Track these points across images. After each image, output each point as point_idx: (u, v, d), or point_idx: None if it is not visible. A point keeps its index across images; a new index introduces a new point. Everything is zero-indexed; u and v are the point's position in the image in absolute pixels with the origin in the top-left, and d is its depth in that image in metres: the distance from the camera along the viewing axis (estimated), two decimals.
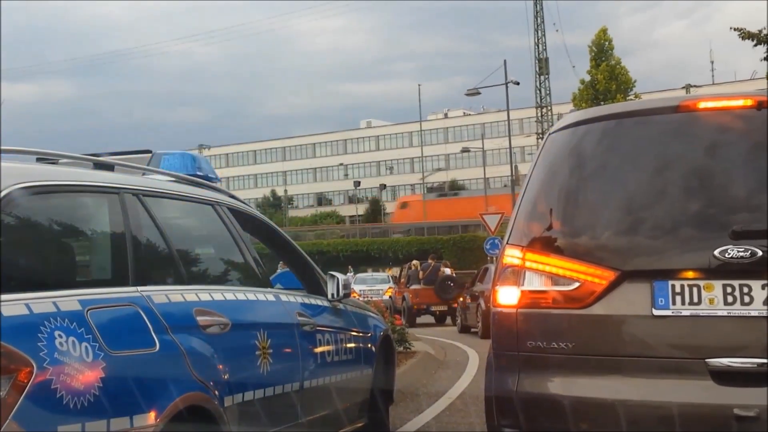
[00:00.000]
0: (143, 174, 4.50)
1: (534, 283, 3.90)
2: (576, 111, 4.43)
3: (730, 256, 3.50)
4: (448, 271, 26.38)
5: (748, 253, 3.47)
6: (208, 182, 4.94)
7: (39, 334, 2.84)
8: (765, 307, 3.47)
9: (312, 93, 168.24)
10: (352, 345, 5.90)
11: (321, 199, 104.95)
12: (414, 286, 25.75)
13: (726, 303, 3.55)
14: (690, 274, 3.62)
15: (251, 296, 4.57)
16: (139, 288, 3.54)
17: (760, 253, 3.45)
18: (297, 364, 4.84)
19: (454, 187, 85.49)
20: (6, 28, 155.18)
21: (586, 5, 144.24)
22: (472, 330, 19.77)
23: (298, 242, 5.63)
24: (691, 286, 3.61)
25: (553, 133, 4.29)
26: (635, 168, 3.95)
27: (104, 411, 2.98)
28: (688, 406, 3.50)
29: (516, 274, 3.94)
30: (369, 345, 6.33)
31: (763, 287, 3.50)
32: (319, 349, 5.22)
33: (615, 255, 3.76)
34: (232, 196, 5.23)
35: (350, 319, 6.03)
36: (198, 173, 5.08)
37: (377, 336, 6.58)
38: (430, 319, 25.43)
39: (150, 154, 4.87)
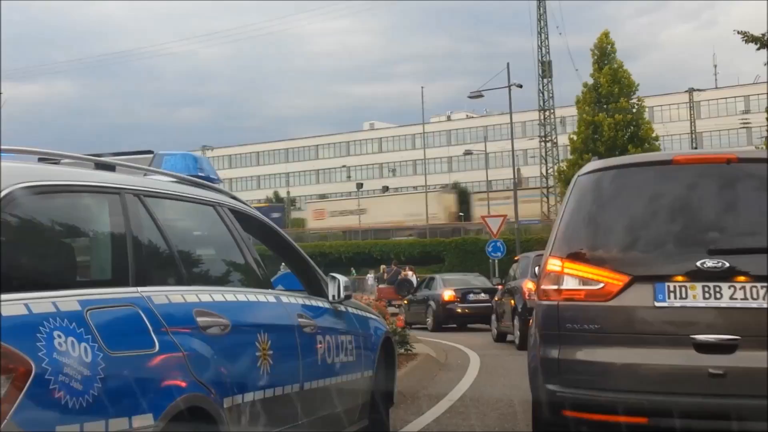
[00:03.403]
0: (145, 175, 4.49)
1: (570, 283, 5.31)
2: (597, 160, 6.01)
3: (707, 266, 4.98)
4: (410, 274, 31.90)
5: (719, 265, 4.96)
6: (209, 183, 4.94)
7: (38, 335, 2.84)
8: (730, 301, 4.95)
9: (315, 94, 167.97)
10: (352, 347, 5.89)
11: None
12: (381, 285, 33.26)
13: (704, 298, 5.00)
14: (680, 278, 5.05)
15: (252, 297, 4.56)
16: (140, 288, 3.53)
17: (727, 264, 4.95)
18: (297, 365, 4.83)
19: (457, 190, 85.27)
20: (10, 27, 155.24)
21: (589, 8, 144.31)
22: (415, 326, 21.87)
23: (300, 243, 5.65)
24: (680, 286, 5.06)
25: (580, 176, 5.75)
26: (641, 202, 5.45)
27: (103, 411, 2.98)
28: (678, 367, 4.98)
29: (557, 278, 5.34)
30: (370, 347, 6.33)
31: (729, 287, 4.97)
32: (319, 351, 5.22)
33: (627, 264, 5.20)
34: (234, 197, 5.23)
35: (351, 321, 6.02)
36: (199, 174, 5.08)
37: (378, 338, 6.57)
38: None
39: (152, 155, 4.85)
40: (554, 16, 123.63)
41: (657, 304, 5.05)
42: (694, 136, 78.52)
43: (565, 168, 45.93)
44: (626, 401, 5.01)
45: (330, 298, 5.71)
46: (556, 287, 5.35)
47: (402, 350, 12.54)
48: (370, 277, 45.00)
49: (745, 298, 4.95)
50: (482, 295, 22.46)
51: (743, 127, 76.69)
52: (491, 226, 30.18)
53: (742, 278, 4.97)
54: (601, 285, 5.19)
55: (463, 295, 22.43)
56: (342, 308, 5.93)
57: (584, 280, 5.27)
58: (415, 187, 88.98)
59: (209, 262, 4.64)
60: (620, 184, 5.59)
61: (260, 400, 4.25)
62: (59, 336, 2.91)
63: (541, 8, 61.49)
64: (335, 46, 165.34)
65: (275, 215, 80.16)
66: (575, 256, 5.33)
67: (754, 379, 4.81)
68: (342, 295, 5.74)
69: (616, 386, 5.10)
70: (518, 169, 53.56)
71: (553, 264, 5.39)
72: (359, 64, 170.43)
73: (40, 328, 2.86)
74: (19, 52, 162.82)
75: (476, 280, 25.32)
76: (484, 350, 15.14)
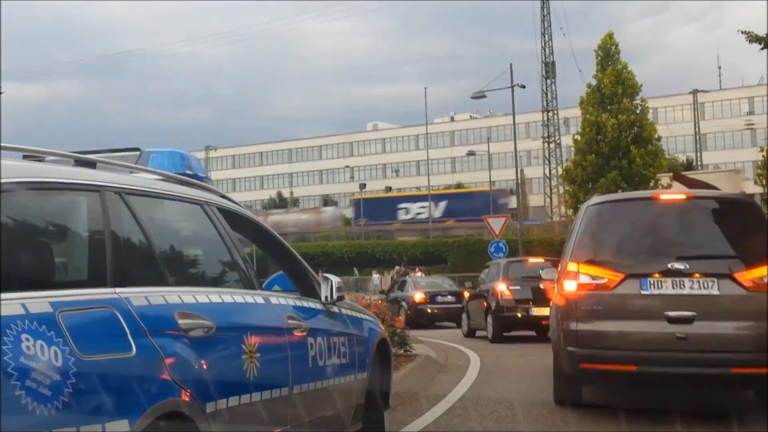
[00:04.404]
0: (131, 172, 4.37)
1: (583, 279, 7.73)
2: (599, 196, 8.92)
3: (675, 267, 7.46)
4: (420, 275, 33.93)
5: (683, 266, 7.45)
6: (197, 181, 4.81)
7: (4, 337, 2.72)
8: (690, 290, 7.40)
9: (319, 95, 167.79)
10: (345, 349, 5.77)
11: (327, 201, 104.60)
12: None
13: (673, 288, 7.46)
14: (657, 275, 7.51)
15: (238, 299, 4.43)
16: (117, 289, 3.40)
17: (688, 266, 7.45)
18: (286, 368, 4.70)
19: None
20: (13, 27, 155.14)
21: (593, 9, 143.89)
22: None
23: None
24: (657, 280, 7.51)
25: (588, 206, 8.33)
26: (630, 225, 8.06)
27: (74, 418, 2.85)
28: (655, 333, 7.42)
29: (576, 275, 7.78)
30: (364, 348, 6.21)
31: (689, 281, 7.45)
32: (310, 353, 5.09)
33: (622, 266, 7.66)
34: (223, 196, 5.09)
35: (344, 323, 5.91)
36: (187, 172, 4.93)
37: (373, 340, 6.47)
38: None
39: (138, 152, 4.71)
40: (558, 18, 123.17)
41: (642, 292, 7.54)
42: (698, 137, 78.31)
43: (571, 167, 45.72)
44: (622, 356, 7.51)
45: (322, 299, 5.59)
46: (574, 282, 7.79)
47: (401, 351, 12.44)
48: (376, 277, 45.09)
49: (700, 288, 7.44)
50: (449, 297, 24.91)
51: (747, 129, 76.46)
52: (493, 227, 30.05)
53: (697, 275, 7.44)
54: (605, 280, 7.66)
55: (432, 297, 24.91)
56: (335, 309, 5.81)
57: (593, 277, 7.71)
58: (418, 188, 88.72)
59: (194, 262, 4.52)
60: (615, 212, 8.31)
61: (246, 404, 4.12)
62: (27, 339, 2.79)
63: (545, 9, 61.38)
64: (339, 46, 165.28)
65: (502, 201, 73.80)
66: (587, 261, 7.80)
67: (705, 340, 7.33)
68: (335, 295, 5.62)
69: (615, 346, 7.54)
70: (521, 170, 53.41)
71: (572, 267, 7.86)
72: (363, 65, 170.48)
73: (7, 330, 2.74)
74: (22, 52, 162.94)
75: (445, 283, 27.45)
76: (486, 351, 15.03)
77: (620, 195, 10.02)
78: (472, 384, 10.45)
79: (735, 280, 7.41)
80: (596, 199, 8.54)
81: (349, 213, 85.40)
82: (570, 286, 7.80)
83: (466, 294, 22.25)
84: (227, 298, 4.30)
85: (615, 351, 7.48)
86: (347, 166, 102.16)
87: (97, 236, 3.52)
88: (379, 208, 75.70)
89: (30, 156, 3.91)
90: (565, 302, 7.84)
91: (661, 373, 7.44)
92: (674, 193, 8.64)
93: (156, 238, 3.94)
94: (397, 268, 40.10)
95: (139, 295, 3.51)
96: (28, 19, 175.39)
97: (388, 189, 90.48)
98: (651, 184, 42.05)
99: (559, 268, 8.69)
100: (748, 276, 7.39)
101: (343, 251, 58.64)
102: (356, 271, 53.35)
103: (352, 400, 5.95)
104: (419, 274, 34.79)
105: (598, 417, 7.91)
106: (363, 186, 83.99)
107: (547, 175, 61.04)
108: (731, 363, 7.26)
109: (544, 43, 60.62)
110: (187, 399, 3.49)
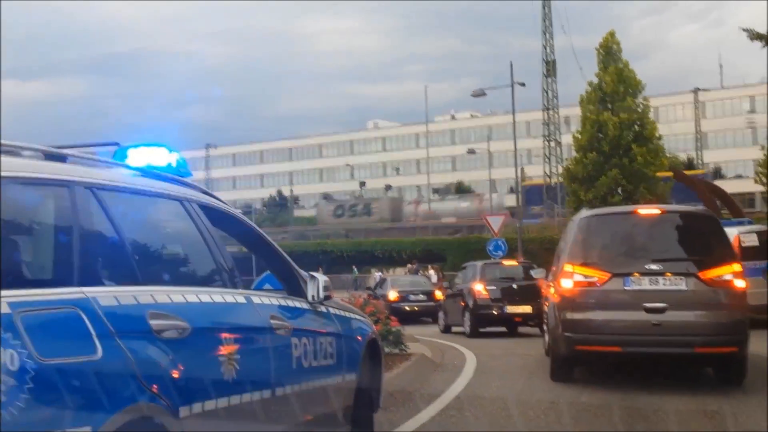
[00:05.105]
0: (108, 167, 4.22)
1: (578, 278, 9.53)
2: (590, 210, 11.04)
3: (651, 268, 9.34)
4: (431, 273, 36.26)
5: (657, 267, 9.35)
6: (177, 177, 4.65)
7: None
8: (663, 286, 9.44)
9: (319, 93, 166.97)
10: (332, 349, 5.63)
11: (327, 198, 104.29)
12: None
13: (650, 284, 9.32)
14: (636, 274, 9.38)
15: (217, 298, 4.28)
16: (84, 289, 3.25)
17: (662, 267, 9.33)
18: (268, 369, 4.56)
19: (460, 189, 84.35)
20: (18, 27, 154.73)
21: (595, 7, 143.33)
22: None
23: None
24: (637, 279, 9.36)
25: (581, 218, 10.31)
26: (615, 233, 9.98)
27: (31, 424, 2.72)
28: (634, 320, 9.25)
29: (571, 275, 9.57)
30: (352, 349, 6.07)
31: (662, 279, 9.32)
32: (294, 354, 4.95)
33: (608, 266, 9.50)
34: (205, 192, 4.94)
35: (332, 322, 5.77)
36: (167, 167, 4.77)
37: (362, 339, 6.33)
38: None
39: (116, 147, 4.56)
40: (559, 16, 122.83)
41: (625, 288, 9.38)
42: (699, 136, 78.12)
43: (571, 166, 45.51)
44: (609, 339, 9.33)
45: (309, 298, 5.44)
46: (570, 280, 9.57)
47: (396, 350, 12.32)
48: (379, 275, 45.05)
49: (671, 285, 9.31)
50: (421, 296, 27.52)
51: (748, 128, 76.26)
52: (492, 225, 29.93)
53: (669, 274, 9.32)
54: (595, 278, 9.50)
55: (405, 296, 27.48)
56: (322, 309, 5.67)
57: (586, 276, 9.53)
58: (418, 187, 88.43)
59: (171, 260, 4.37)
60: (602, 223, 10.28)
61: (224, 408, 3.98)
62: None
63: (546, 8, 61.24)
64: (340, 45, 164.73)
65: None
66: (580, 263, 9.63)
67: (675, 327, 9.17)
68: (321, 295, 5.48)
69: (603, 331, 9.34)
70: (521, 169, 53.23)
71: (568, 268, 9.65)
72: (364, 64, 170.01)
73: None
74: (26, 51, 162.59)
75: (421, 283, 30.27)
76: (481, 350, 14.91)
77: (606, 209, 12.67)
78: (467, 383, 10.36)
79: (698, 278, 9.34)
80: (586, 212, 10.70)
81: (510, 200, 75.17)
82: (567, 283, 9.65)
83: (438, 293, 25.17)
84: (205, 298, 4.15)
85: (603, 335, 9.37)
86: (347, 165, 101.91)
87: (63, 233, 3.37)
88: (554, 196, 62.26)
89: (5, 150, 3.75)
90: (563, 296, 9.74)
91: (640, 353, 9.47)
92: (650, 208, 10.92)
93: (129, 235, 3.79)
94: (409, 266, 40.27)
95: (108, 295, 3.36)
96: (30, 19, 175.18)
97: (388, 188, 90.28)
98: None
99: (553, 269, 10.82)
100: (709, 275, 9.35)
101: (342, 249, 58.46)
102: (355, 270, 53.18)
103: (340, 401, 5.82)
104: (431, 272, 35.14)
105: (594, 417, 7.84)
106: (363, 184, 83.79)
107: (548, 173, 60.84)
108: (696, 344, 9.17)
109: (546, 42, 60.49)
110: (157, 404, 3.35)
